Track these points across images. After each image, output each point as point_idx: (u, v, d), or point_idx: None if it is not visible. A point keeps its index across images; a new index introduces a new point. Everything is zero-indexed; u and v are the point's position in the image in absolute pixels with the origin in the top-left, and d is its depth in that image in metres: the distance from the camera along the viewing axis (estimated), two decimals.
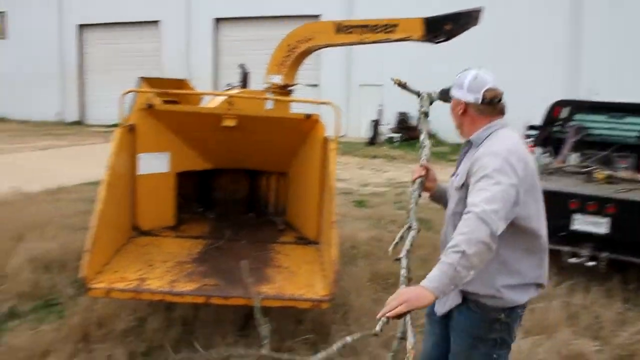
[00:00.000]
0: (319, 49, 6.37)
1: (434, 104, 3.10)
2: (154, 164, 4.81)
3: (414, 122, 21.78)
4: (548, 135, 7.88)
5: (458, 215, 2.42)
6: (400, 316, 2.01)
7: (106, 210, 3.89)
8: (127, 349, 3.95)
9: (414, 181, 2.75)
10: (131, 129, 4.62)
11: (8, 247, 6.08)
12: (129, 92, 4.76)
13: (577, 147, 7.49)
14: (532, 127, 8.86)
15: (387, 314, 1.99)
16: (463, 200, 2.38)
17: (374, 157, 17.50)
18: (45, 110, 30.11)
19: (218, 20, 26.76)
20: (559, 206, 5.73)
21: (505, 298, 2.43)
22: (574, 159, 7.33)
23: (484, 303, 2.45)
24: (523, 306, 2.54)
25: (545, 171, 6.89)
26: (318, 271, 4.12)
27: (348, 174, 13.57)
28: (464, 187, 2.42)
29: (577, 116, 7.82)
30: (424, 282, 2.03)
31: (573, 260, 5.66)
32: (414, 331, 2.01)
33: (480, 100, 2.47)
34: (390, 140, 21.24)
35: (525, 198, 2.31)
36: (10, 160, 14.98)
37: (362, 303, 4.80)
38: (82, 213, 8.05)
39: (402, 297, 2.00)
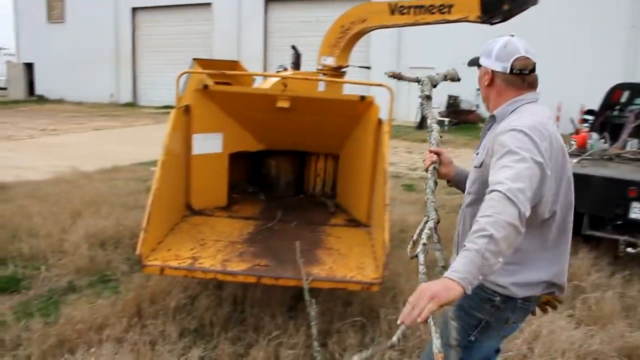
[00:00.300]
0: (373, 30, 6.29)
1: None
2: (208, 144, 4.86)
3: (464, 105, 21.44)
4: (606, 120, 7.66)
5: (471, 195, 2.31)
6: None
7: (161, 189, 3.95)
8: (179, 326, 4.02)
9: (427, 169, 2.48)
10: (186, 110, 4.67)
11: (67, 223, 6.29)
12: (185, 73, 4.81)
13: (637, 132, 7.25)
14: (589, 112, 8.63)
15: (417, 319, 1.65)
16: (479, 181, 2.24)
17: (423, 141, 17.30)
18: (100, 92, 30.92)
19: (268, 1, 26.81)
20: (616, 194, 5.56)
21: (504, 285, 2.21)
22: (633, 145, 7.10)
23: (482, 282, 2.01)
24: (527, 299, 2.26)
25: (603, 157, 6.70)
26: (368, 254, 4.10)
27: (397, 157, 13.49)
28: (483, 166, 2.22)
29: (638, 100, 7.57)
30: (448, 273, 1.73)
31: (630, 250, 5.49)
32: (438, 332, 1.69)
33: (508, 70, 2.24)
34: (439, 124, 20.90)
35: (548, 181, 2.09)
36: (67, 140, 15.45)
37: (412, 287, 4.74)
38: (135, 192, 8.27)
39: (428, 292, 1.67)
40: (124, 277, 5.00)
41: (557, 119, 20.03)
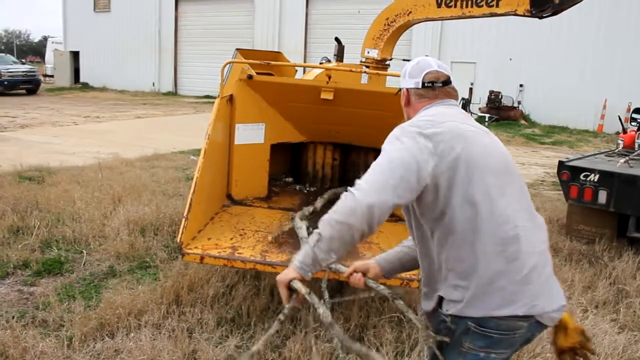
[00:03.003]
0: (418, 22, 6.20)
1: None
2: (251, 134, 4.87)
3: (506, 102, 21.07)
4: None
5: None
6: (291, 295, 2.02)
7: (203, 178, 3.97)
8: (216, 315, 4.04)
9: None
10: (230, 100, 4.69)
11: (108, 209, 6.40)
12: (230, 63, 4.81)
13: None
14: (637, 110, 8.39)
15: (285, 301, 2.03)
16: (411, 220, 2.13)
17: None
18: (142, 81, 31.38)
19: None
20: None
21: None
22: None
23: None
24: (481, 323, 1.94)
25: None
26: None
27: None
28: None
29: None
30: (293, 259, 2.02)
31: None
32: (319, 302, 2.04)
33: (420, 84, 2.17)
34: (480, 120, 20.62)
35: (449, 173, 1.91)
36: (110, 127, 15.74)
37: None
38: (175, 180, 8.37)
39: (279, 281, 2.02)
40: (163, 264, 5.05)
41: (602, 117, 19.57)
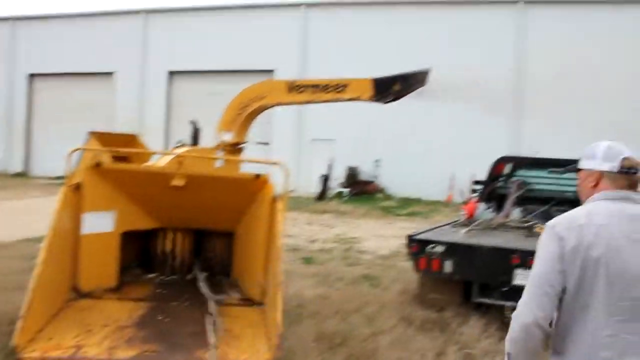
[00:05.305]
0: (271, 107, 6.43)
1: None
2: (99, 223, 4.68)
3: (363, 176, 22.12)
4: (492, 190, 8.10)
5: None
6: None
7: (45, 272, 3.76)
8: None
9: None
10: (77, 188, 4.52)
11: None
12: (77, 150, 4.67)
13: (520, 202, 7.72)
14: (477, 182, 9.09)
15: None
16: None
17: (323, 212, 17.46)
18: None
19: (172, 73, 26.87)
20: (501, 262, 5.80)
21: None
22: (516, 213, 7.53)
23: None
24: None
25: (489, 226, 7.04)
26: (262, 334, 4.04)
27: (296, 229, 13.42)
28: None
29: (519, 172, 8.09)
30: None
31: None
32: None
33: (616, 168, 2.23)
34: (339, 195, 21.35)
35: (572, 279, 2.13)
36: None
37: None
38: (20, 272, 7.70)
39: None
40: None
41: (451, 187, 21.05)
